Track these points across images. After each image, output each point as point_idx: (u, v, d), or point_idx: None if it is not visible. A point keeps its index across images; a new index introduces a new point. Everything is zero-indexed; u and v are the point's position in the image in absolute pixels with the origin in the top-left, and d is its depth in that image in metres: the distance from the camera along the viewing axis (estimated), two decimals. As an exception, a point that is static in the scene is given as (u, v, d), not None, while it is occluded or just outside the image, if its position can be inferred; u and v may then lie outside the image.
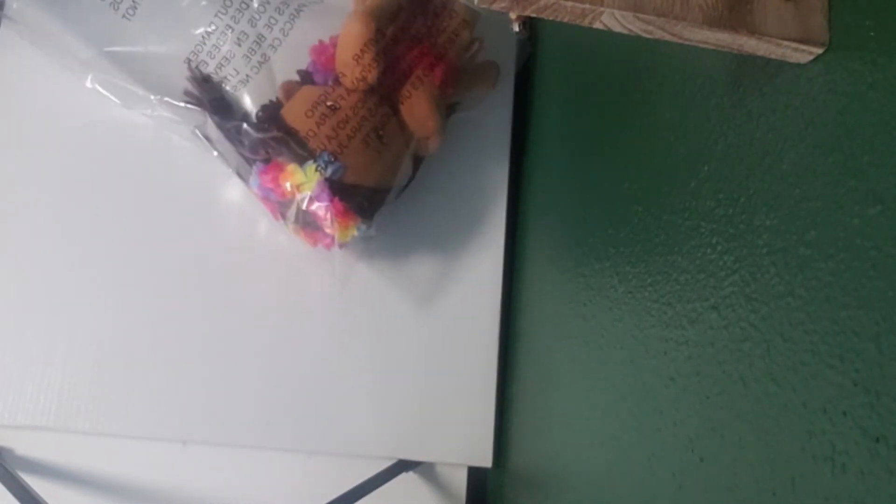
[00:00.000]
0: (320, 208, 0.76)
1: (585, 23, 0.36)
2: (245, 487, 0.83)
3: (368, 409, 0.83)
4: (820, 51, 0.35)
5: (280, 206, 0.80)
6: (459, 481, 0.85)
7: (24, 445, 0.81)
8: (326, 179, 0.75)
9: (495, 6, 0.36)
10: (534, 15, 0.36)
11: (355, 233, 0.79)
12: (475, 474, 0.86)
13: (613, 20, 0.36)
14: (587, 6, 0.35)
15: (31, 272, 0.83)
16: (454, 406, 0.84)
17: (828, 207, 0.32)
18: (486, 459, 0.83)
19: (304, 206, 0.77)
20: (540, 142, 0.89)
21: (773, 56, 0.37)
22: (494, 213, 0.90)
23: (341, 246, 0.80)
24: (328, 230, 0.77)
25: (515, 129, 0.93)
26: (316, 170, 0.76)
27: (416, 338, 0.85)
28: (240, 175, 0.83)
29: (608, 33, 0.37)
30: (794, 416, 0.33)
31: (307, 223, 0.79)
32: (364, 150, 0.78)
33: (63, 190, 0.85)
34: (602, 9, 0.35)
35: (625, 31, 0.37)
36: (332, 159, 0.76)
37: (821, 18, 0.35)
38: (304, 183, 0.76)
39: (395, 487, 0.81)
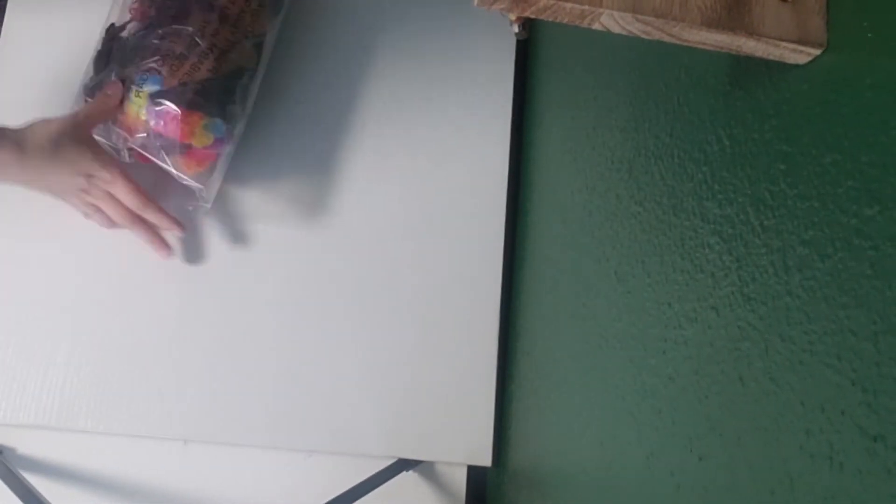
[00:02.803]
0: (159, 124, 0.77)
1: (584, 24, 0.36)
2: (245, 487, 0.83)
3: (368, 408, 0.83)
4: (818, 52, 0.35)
5: (158, 148, 0.79)
6: (459, 480, 0.85)
7: (26, 444, 0.81)
8: (152, 96, 0.76)
9: (495, 7, 0.36)
10: (533, 16, 0.36)
11: (211, 133, 0.79)
12: (475, 473, 0.86)
13: (612, 21, 0.36)
14: (586, 7, 0.35)
15: (34, 271, 0.83)
16: (454, 406, 0.84)
17: (826, 207, 0.33)
18: (485, 458, 0.83)
19: (153, 130, 0.77)
20: (539, 142, 0.89)
21: (771, 57, 0.37)
22: (494, 212, 0.90)
23: (205, 148, 0.80)
24: (185, 139, 0.78)
25: (515, 129, 0.94)
26: (137, 94, 0.77)
27: (416, 337, 0.85)
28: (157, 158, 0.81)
29: (607, 34, 0.37)
30: (792, 416, 0.33)
31: (171, 148, 0.79)
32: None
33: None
34: (601, 10, 0.35)
35: (624, 33, 0.37)
36: (146, 75, 0.76)
37: (819, 19, 0.35)
38: (139, 110, 0.77)
39: (394, 487, 0.81)
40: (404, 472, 0.83)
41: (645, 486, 0.46)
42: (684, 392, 0.43)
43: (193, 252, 0.86)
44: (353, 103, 0.91)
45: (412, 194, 0.89)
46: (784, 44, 0.36)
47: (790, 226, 0.35)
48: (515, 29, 0.87)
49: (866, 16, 0.32)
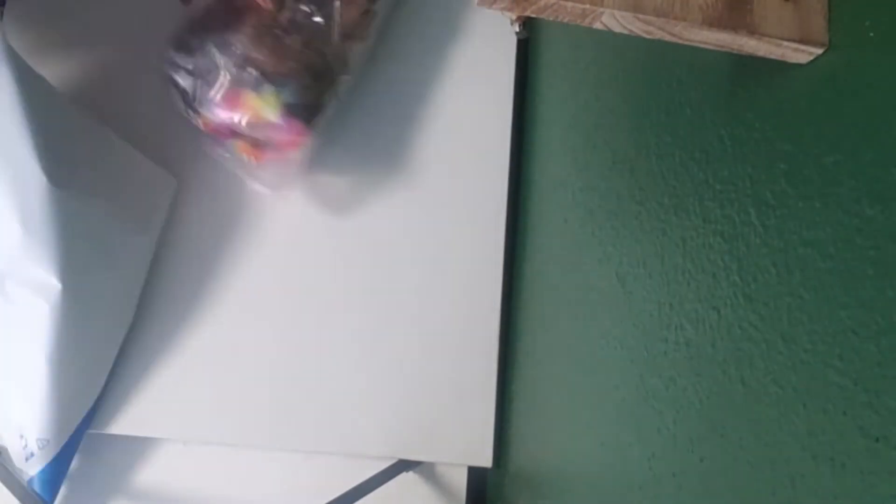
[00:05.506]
0: (279, 129, 0.76)
1: (585, 23, 0.36)
2: (245, 487, 0.83)
3: (368, 409, 0.83)
4: (820, 51, 0.35)
5: (229, 132, 0.78)
6: (459, 481, 0.85)
7: (24, 445, 0.81)
8: (287, 106, 0.75)
9: (495, 6, 0.36)
10: (534, 15, 0.36)
11: (305, 149, 0.79)
12: (475, 474, 0.86)
13: (613, 20, 0.36)
14: (587, 6, 0.35)
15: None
16: (454, 406, 0.84)
17: (827, 207, 0.33)
18: (486, 459, 0.83)
19: (267, 131, 0.76)
20: (539, 142, 0.89)
21: (772, 56, 0.37)
22: (494, 212, 0.90)
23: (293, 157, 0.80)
24: (289, 149, 0.77)
25: (515, 130, 0.93)
26: (276, 95, 0.75)
27: (417, 338, 0.85)
28: (188, 114, 0.80)
29: (608, 34, 0.37)
30: (794, 416, 0.33)
31: (257, 142, 0.78)
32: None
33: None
34: (602, 9, 0.35)
35: (625, 32, 0.37)
36: (286, 81, 0.75)
37: (820, 19, 0.35)
38: (263, 108, 0.75)
39: (395, 487, 0.81)
40: (404, 473, 0.83)
41: (646, 487, 0.46)
42: (686, 393, 0.43)
43: (192, 253, 0.85)
44: (352, 102, 0.91)
45: (412, 194, 0.89)
46: (786, 43, 0.35)
47: (792, 225, 0.35)
48: (516, 28, 0.86)
49: (868, 15, 0.32)
